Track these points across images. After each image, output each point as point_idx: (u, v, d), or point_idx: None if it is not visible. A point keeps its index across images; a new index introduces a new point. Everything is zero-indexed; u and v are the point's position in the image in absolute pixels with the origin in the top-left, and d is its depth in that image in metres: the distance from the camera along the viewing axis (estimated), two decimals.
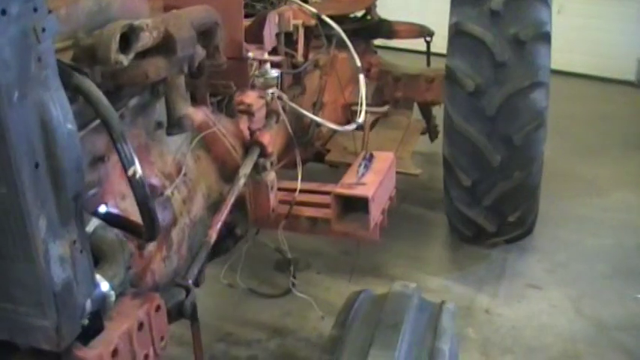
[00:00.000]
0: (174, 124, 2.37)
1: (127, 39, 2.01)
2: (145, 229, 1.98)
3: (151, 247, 2.33)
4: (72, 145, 1.68)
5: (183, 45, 2.23)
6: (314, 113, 3.91)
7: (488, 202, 4.23)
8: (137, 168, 1.84)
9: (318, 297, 4.11)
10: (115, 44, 1.95)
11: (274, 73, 2.89)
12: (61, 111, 1.64)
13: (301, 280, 4.30)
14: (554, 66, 7.88)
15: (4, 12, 1.47)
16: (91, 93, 1.81)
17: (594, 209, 5.35)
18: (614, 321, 4.07)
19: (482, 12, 4.04)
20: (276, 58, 3.04)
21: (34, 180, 1.60)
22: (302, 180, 3.20)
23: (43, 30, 1.58)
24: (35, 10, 1.56)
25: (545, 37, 4.07)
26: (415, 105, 5.39)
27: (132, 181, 1.85)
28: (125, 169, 1.84)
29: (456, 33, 4.12)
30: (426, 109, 5.46)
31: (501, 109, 3.99)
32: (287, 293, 4.04)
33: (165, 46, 2.18)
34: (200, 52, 2.42)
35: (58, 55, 1.89)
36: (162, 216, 2.44)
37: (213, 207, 2.77)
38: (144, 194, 1.89)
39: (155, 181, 2.46)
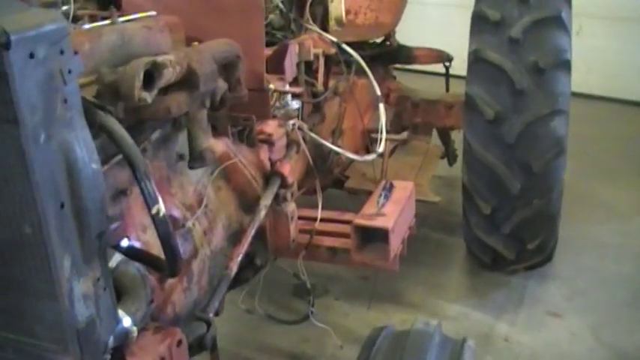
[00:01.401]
0: (197, 158, 2.39)
1: (150, 75, 2.04)
2: (167, 265, 1.99)
3: (172, 279, 2.34)
4: (96, 184, 1.70)
5: (205, 80, 2.25)
6: (333, 141, 3.93)
7: (507, 229, 4.21)
8: (161, 206, 1.85)
9: (336, 323, 4.12)
10: (138, 82, 1.97)
11: (295, 104, 2.91)
12: (86, 151, 1.66)
13: (319, 306, 4.30)
14: (573, 88, 7.95)
15: (32, 55, 1.49)
16: (115, 131, 1.83)
17: (614, 235, 5.30)
18: (635, 350, 4.02)
19: (502, 40, 4.05)
20: (297, 90, 3.06)
21: (59, 220, 1.62)
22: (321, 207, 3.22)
23: (69, 72, 1.61)
24: (62, 52, 1.58)
25: (565, 65, 4.07)
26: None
27: (155, 219, 1.87)
28: (149, 208, 1.85)
29: (476, 60, 4.13)
30: (444, 133, 5.46)
31: (521, 137, 3.98)
32: (305, 320, 4.02)
33: (187, 81, 2.21)
34: (222, 86, 2.44)
35: (81, 91, 1.93)
36: (183, 248, 2.45)
37: (233, 237, 2.78)
38: (167, 232, 1.90)
39: (176, 212, 2.48)
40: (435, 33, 7.66)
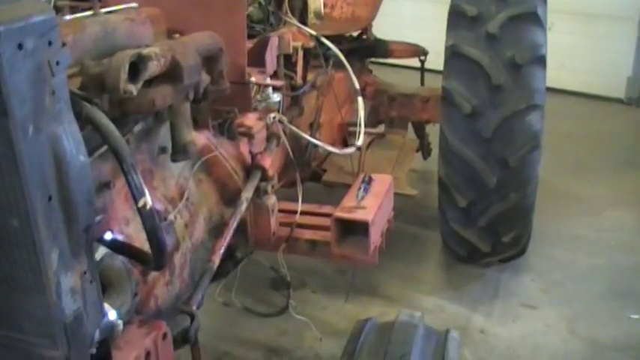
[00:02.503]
0: (180, 151, 2.38)
1: (135, 68, 2.02)
2: (153, 259, 1.98)
3: (154, 272, 2.33)
4: (84, 177, 1.69)
5: (189, 72, 2.24)
6: (311, 134, 3.93)
7: (483, 222, 4.25)
8: (147, 199, 1.85)
9: (314, 316, 4.13)
10: (124, 74, 1.96)
11: (276, 97, 2.91)
12: (73, 144, 1.65)
13: (297, 300, 4.30)
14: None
15: (20, 46, 1.48)
16: (102, 124, 1.82)
17: (589, 229, 5.38)
18: (609, 341, 4.10)
19: (479, 35, 4.08)
20: (278, 83, 3.06)
21: (47, 213, 1.61)
22: (296, 200, 3.22)
23: (57, 63, 1.59)
24: (50, 43, 1.57)
25: (541, 61, 4.11)
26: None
27: (142, 212, 1.86)
28: (135, 201, 1.85)
29: (453, 55, 4.15)
30: (419, 127, 5.49)
31: (497, 131, 4.02)
32: (283, 312, 4.05)
33: (172, 73, 2.20)
34: (205, 79, 2.43)
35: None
36: (166, 244, 2.45)
37: (214, 230, 2.78)
38: (153, 225, 1.90)
39: (158, 206, 2.47)
40: (409, 27, 7.73)
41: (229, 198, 2.86)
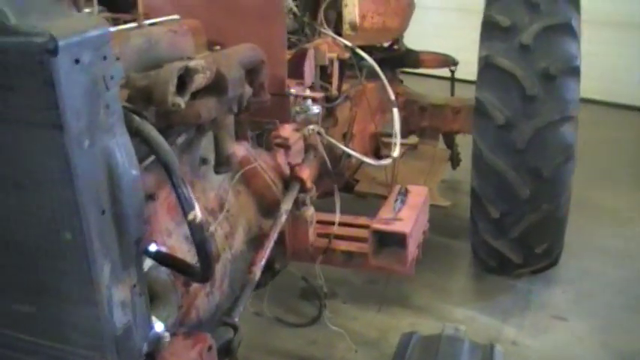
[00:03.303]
0: (223, 163, 2.39)
1: (182, 80, 2.03)
2: (200, 271, 1.98)
3: (196, 284, 2.34)
4: (136, 190, 1.70)
5: (233, 85, 2.26)
6: (345, 144, 3.94)
7: (515, 233, 4.22)
8: (197, 212, 1.85)
9: (346, 327, 4.10)
10: (172, 87, 1.97)
11: (315, 109, 2.92)
12: (126, 157, 1.66)
13: (328, 310, 4.31)
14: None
15: (77, 61, 1.49)
16: (152, 137, 1.83)
17: (617, 239, 5.33)
18: None
19: (512, 46, 4.06)
20: (317, 94, 3.07)
21: (101, 226, 1.62)
22: (329, 211, 3.21)
23: (111, 77, 1.61)
24: (105, 58, 1.58)
25: (575, 71, 4.08)
26: None
27: (191, 225, 1.86)
28: (185, 214, 1.85)
29: (486, 66, 4.14)
30: (448, 137, 5.47)
31: (531, 143, 3.99)
32: (314, 323, 4.04)
33: (216, 86, 2.21)
34: (247, 91, 2.44)
35: None
36: (213, 257, 2.45)
37: (253, 241, 2.79)
38: (202, 237, 1.90)
39: None
40: (435, 36, 7.71)
41: (267, 209, 2.86)
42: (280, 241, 2.93)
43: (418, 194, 3.31)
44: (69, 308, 1.71)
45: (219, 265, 2.54)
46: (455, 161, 5.61)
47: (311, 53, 3.16)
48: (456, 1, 8.91)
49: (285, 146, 2.99)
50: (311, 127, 2.92)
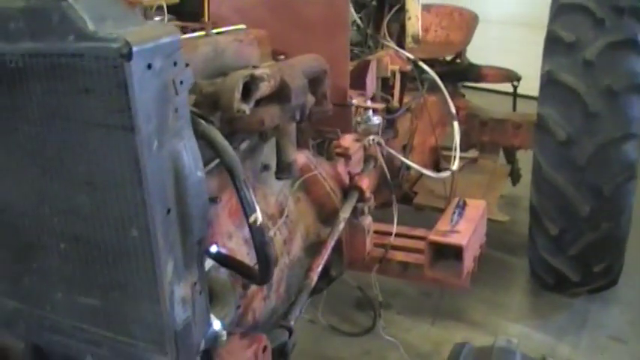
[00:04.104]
0: (284, 169, 2.44)
1: (247, 88, 2.10)
2: (259, 273, 2.04)
3: (253, 286, 2.40)
4: (201, 192, 1.77)
5: (297, 94, 2.31)
6: (404, 156, 3.97)
7: (574, 251, 4.18)
8: (258, 215, 1.91)
9: (399, 338, 4.10)
10: (238, 93, 2.03)
11: (376, 120, 2.96)
12: (193, 159, 1.73)
13: (382, 320, 4.33)
14: None
15: (149, 66, 1.56)
16: (217, 142, 1.89)
17: None
18: None
19: (576, 61, 4.03)
20: (378, 106, 3.11)
21: (166, 225, 1.68)
22: (387, 222, 3.24)
23: (181, 82, 1.68)
24: (175, 64, 1.65)
25: (639, 89, 4.03)
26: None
27: (252, 227, 1.92)
28: (246, 216, 1.91)
29: (548, 81, 4.12)
30: (509, 153, 5.44)
31: (592, 160, 3.96)
32: (368, 332, 4.08)
33: (280, 94, 2.27)
34: (310, 100, 2.50)
35: None
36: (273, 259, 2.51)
37: (310, 248, 2.83)
38: (263, 240, 1.95)
39: None
40: (498, 51, 7.68)
41: (326, 217, 2.91)
42: (337, 248, 2.97)
43: (476, 208, 3.32)
44: (133, 303, 1.78)
45: (276, 270, 2.58)
46: (515, 177, 5.58)
47: (373, 65, 3.21)
48: (520, 16, 8.85)
49: (346, 156, 3.04)
50: (371, 137, 2.97)
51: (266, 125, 2.23)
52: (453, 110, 3.63)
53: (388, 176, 3.16)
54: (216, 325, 1.98)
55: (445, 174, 3.44)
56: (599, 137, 3.96)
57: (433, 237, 3.05)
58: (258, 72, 2.13)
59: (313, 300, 3.79)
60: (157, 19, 2.75)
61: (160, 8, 2.98)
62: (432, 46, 5.00)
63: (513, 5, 8.99)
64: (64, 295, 1.92)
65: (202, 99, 2.10)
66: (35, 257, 1.91)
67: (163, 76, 1.61)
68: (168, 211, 1.69)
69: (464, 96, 5.48)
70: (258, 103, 2.24)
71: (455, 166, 3.44)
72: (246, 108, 2.05)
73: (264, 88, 2.15)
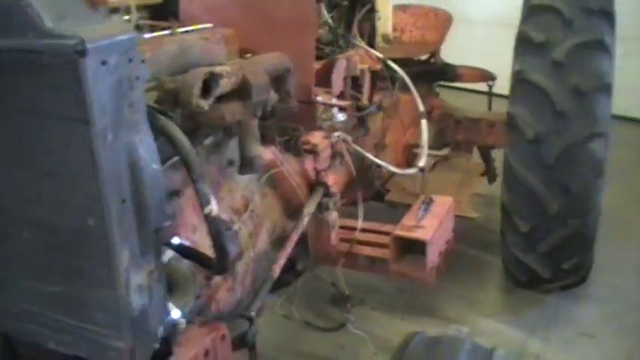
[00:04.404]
0: (247, 164, 2.51)
1: (207, 84, 2.17)
2: (217, 263, 2.12)
3: (217, 278, 2.47)
4: (157, 183, 1.84)
5: (258, 90, 2.38)
6: (376, 154, 4.04)
7: (544, 248, 4.27)
8: (213, 207, 1.99)
9: (371, 333, 4.19)
10: (197, 90, 2.11)
11: (341, 117, 3.03)
12: (148, 152, 1.80)
13: (355, 316, 4.35)
14: (617, 111, 7.93)
15: (104, 62, 1.63)
16: (175, 136, 1.97)
17: None
18: None
19: (545, 61, 4.11)
20: (343, 103, 3.18)
21: (121, 214, 1.76)
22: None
23: (137, 78, 1.75)
24: (130, 60, 1.72)
25: (607, 89, 4.12)
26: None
27: (208, 218, 2.00)
28: (202, 207, 1.98)
29: (518, 81, 4.21)
30: (485, 152, 5.52)
31: (560, 158, 4.04)
32: (342, 327, 4.14)
33: (241, 91, 2.34)
34: (273, 97, 2.57)
35: None
36: (229, 249, 2.59)
37: (277, 242, 2.91)
38: (218, 231, 2.03)
39: (224, 216, 2.60)
40: (481, 52, 7.76)
41: (293, 212, 2.99)
42: (303, 243, 3.05)
43: (442, 204, 3.40)
44: (93, 289, 1.85)
45: (241, 263, 2.66)
46: (492, 175, 5.66)
47: (340, 63, 3.28)
48: (504, 17, 8.91)
49: (314, 152, 3.11)
50: (336, 134, 3.04)
51: (227, 120, 2.31)
52: (422, 108, 3.72)
53: (354, 172, 3.23)
54: (175, 313, 2.05)
55: (411, 170, 3.52)
56: (567, 136, 4.05)
57: (398, 232, 3.13)
58: (217, 69, 2.20)
59: (289, 296, 3.87)
60: (125, 17, 2.83)
61: (139, 8, 3.06)
62: (407, 46, 5.08)
63: (497, 6, 9.06)
64: (28, 283, 1.99)
65: (164, 95, 2.18)
66: (0, 246, 1.98)
67: (118, 72, 1.69)
68: (124, 201, 1.76)
69: (438, 95, 5.55)
70: (220, 99, 2.31)
71: (422, 162, 3.52)
72: (205, 104, 2.12)
73: (224, 85, 2.22)
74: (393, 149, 4.39)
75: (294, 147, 3.06)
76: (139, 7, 3.07)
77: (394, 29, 4.69)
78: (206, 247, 2.44)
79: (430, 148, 4.69)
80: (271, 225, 2.91)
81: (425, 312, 4.54)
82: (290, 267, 3.07)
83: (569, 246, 4.27)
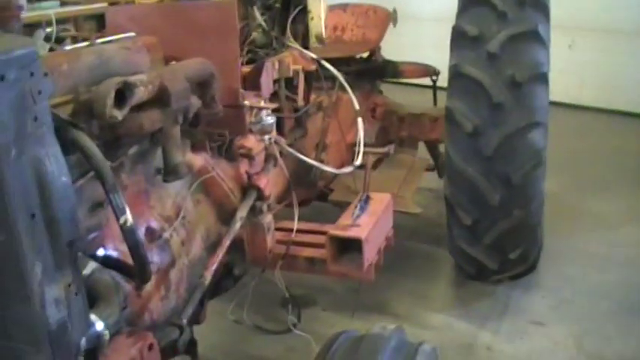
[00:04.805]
0: (170, 172, 2.50)
1: (122, 94, 2.16)
2: (137, 274, 2.11)
3: (149, 287, 2.46)
4: (66, 196, 1.82)
5: (177, 97, 2.38)
6: (316, 154, 4.05)
7: (488, 240, 4.31)
8: (128, 217, 1.98)
9: (322, 334, 4.13)
10: (110, 100, 2.09)
11: (270, 119, 3.03)
12: (55, 165, 1.79)
13: (306, 317, 4.37)
14: (565, 100, 8.06)
15: (2, 78, 1.62)
16: (86, 147, 1.96)
17: (601, 245, 5.37)
18: (617, 358, 4.09)
19: (480, 54, 4.16)
20: (270, 106, 3.18)
21: (31, 229, 1.74)
22: (308, 219, 3.32)
23: (39, 92, 1.74)
24: (32, 74, 1.71)
25: (542, 78, 4.17)
26: (423, 143, 5.51)
27: (123, 229, 1.99)
28: (117, 218, 1.98)
29: (455, 75, 4.24)
30: (432, 147, 5.57)
31: (499, 150, 4.09)
32: (290, 330, 4.14)
33: (160, 99, 2.33)
34: (195, 103, 2.57)
35: (59, 109, 2.06)
36: (160, 257, 2.58)
37: (212, 248, 2.90)
38: (135, 241, 2.03)
39: (154, 224, 2.60)
40: (430, 47, 7.82)
41: (227, 217, 2.98)
42: (239, 247, 3.05)
43: (380, 201, 3.42)
44: (9, 305, 1.83)
45: (174, 270, 2.66)
46: (441, 170, 5.70)
47: (268, 66, 3.28)
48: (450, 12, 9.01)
49: (249, 156, 3.10)
50: (267, 136, 3.04)
51: (146, 129, 2.30)
52: (357, 106, 3.73)
53: (286, 174, 3.24)
54: (99, 325, 2.04)
55: (348, 169, 3.52)
56: (504, 127, 4.10)
57: (333, 231, 3.14)
58: (132, 78, 2.19)
59: (239, 301, 3.86)
60: (48, 30, 2.80)
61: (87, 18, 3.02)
62: (348, 45, 5.09)
63: (447, 2, 9.15)
64: None
65: (79, 107, 2.16)
66: None
67: (19, 87, 1.67)
68: (33, 215, 1.75)
69: (382, 92, 5.58)
70: (140, 108, 2.30)
71: (358, 161, 3.53)
72: (118, 114, 2.11)
73: (140, 94, 2.21)
74: (336, 149, 4.40)
75: (227, 152, 3.05)
76: (86, 18, 3.05)
77: (335, 28, 4.72)
78: None
79: (374, 145, 4.73)
80: (205, 231, 2.91)
81: (376, 309, 4.55)
82: (227, 272, 3.07)
83: (513, 236, 4.32)
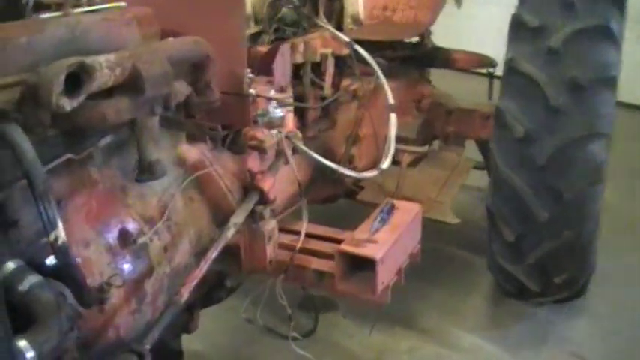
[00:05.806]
0: (144, 170, 2.13)
1: (78, 78, 1.78)
2: (75, 297, 1.75)
3: (116, 299, 2.11)
4: None
5: (153, 83, 1.99)
6: (346, 148, 3.64)
7: (532, 259, 3.83)
8: (60, 233, 1.62)
9: (339, 343, 3.92)
10: (58, 86, 1.71)
11: (279, 112, 2.60)
12: None
13: (325, 322, 4.05)
14: (630, 100, 7.41)
15: None
16: (17, 144, 1.61)
17: None
18: None
19: (540, 49, 3.66)
20: (282, 96, 2.74)
21: None
22: (331, 219, 2.94)
23: None
24: None
25: (609, 82, 3.65)
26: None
27: (54, 246, 1.63)
28: (47, 234, 1.61)
29: (510, 71, 3.76)
30: (483, 146, 5.07)
31: (552, 160, 3.59)
32: (305, 336, 3.79)
33: (131, 84, 1.95)
34: (182, 90, 2.18)
35: (4, 93, 1.71)
36: (133, 266, 2.22)
37: (202, 254, 2.52)
38: (67, 262, 1.66)
39: (130, 226, 2.25)
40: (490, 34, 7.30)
41: (222, 220, 2.59)
42: (235, 256, 2.66)
43: (407, 212, 2.99)
44: None
45: (151, 280, 2.30)
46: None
47: (285, 48, 2.86)
48: None
49: (261, 149, 2.67)
50: (274, 131, 2.61)
51: (110, 120, 1.92)
52: (391, 99, 3.29)
53: (297, 176, 2.78)
54: (29, 354, 1.70)
55: (371, 173, 3.05)
56: (561, 135, 3.61)
57: (344, 246, 2.72)
58: (90, 59, 1.81)
59: (253, 299, 3.52)
60: None
61: None
62: (398, 27, 4.61)
63: None
64: None
65: (26, 91, 1.78)
66: None
67: None
68: None
69: (430, 82, 5.09)
70: (107, 95, 1.93)
71: (385, 164, 3.07)
72: (67, 103, 1.73)
73: (102, 79, 1.83)
74: (371, 142, 3.92)
75: (232, 144, 2.66)
76: None
77: (384, 8, 4.26)
78: (102, 264, 2.10)
79: (415, 141, 4.30)
80: (196, 235, 2.53)
81: (399, 322, 4.14)
82: (219, 283, 2.70)
83: (560, 259, 3.84)
